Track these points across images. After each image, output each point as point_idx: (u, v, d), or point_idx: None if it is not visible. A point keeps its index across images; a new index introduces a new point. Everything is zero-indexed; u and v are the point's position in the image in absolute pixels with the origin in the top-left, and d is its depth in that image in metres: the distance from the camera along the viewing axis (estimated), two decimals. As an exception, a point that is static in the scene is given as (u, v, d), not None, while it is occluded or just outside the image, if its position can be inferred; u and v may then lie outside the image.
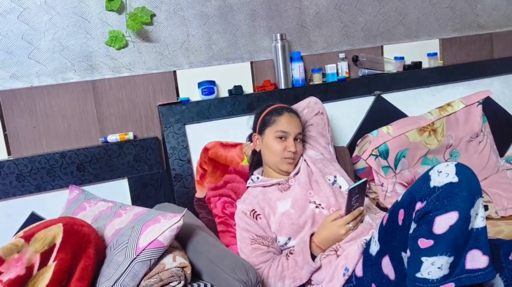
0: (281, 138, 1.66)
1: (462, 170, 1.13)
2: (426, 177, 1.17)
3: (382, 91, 2.28)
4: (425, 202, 1.13)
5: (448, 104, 2.27)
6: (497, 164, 2.28)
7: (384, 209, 1.85)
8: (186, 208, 1.49)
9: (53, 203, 1.78)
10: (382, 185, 2.03)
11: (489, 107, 2.40)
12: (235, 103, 2.01)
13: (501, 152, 2.45)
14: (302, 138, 1.76)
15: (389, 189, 2.02)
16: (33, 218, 1.75)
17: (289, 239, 1.57)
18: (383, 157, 2.05)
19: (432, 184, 1.13)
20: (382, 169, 2.05)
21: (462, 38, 2.59)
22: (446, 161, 2.16)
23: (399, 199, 1.25)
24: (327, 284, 1.41)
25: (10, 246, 1.24)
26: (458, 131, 2.23)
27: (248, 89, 2.15)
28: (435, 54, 2.48)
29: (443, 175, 1.13)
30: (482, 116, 2.28)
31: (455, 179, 1.11)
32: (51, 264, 1.23)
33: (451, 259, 1.10)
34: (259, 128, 1.74)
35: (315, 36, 2.28)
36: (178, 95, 2.04)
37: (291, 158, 1.66)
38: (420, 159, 2.14)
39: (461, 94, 2.37)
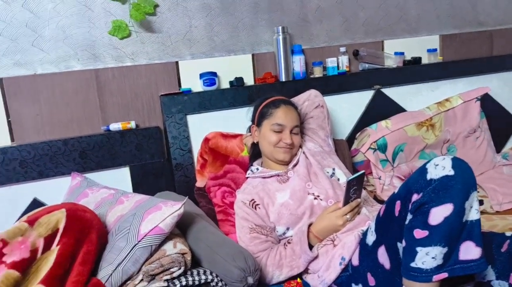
0: (277, 130, 1.68)
1: (458, 163, 1.16)
2: (423, 170, 1.19)
3: (382, 85, 2.30)
4: (421, 194, 1.15)
5: (447, 100, 2.29)
6: (494, 160, 2.31)
7: (381, 201, 1.87)
8: (187, 197, 1.51)
9: (55, 190, 1.80)
10: (379, 178, 2.06)
11: (488, 103, 2.43)
12: (236, 94, 2.03)
13: (498, 148, 2.49)
14: (300, 130, 1.78)
15: (387, 182, 2.05)
16: (36, 204, 1.78)
17: (288, 229, 1.60)
18: (381, 150, 2.08)
19: (428, 176, 1.16)
20: (380, 162, 2.07)
21: (462, 35, 2.61)
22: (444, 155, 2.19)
23: (396, 191, 1.28)
24: (323, 273, 1.44)
25: (14, 229, 1.26)
26: (455, 126, 2.25)
27: (249, 81, 2.17)
28: (435, 50, 2.50)
29: (440, 168, 1.15)
30: (480, 112, 2.31)
31: (451, 172, 1.14)
32: (55, 248, 1.25)
33: (445, 249, 1.12)
34: (257, 120, 1.76)
35: (316, 29, 2.30)
36: (180, 85, 2.06)
37: (287, 147, 1.69)
38: (418, 153, 2.17)
39: (459, 90, 2.39)
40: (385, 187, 2.05)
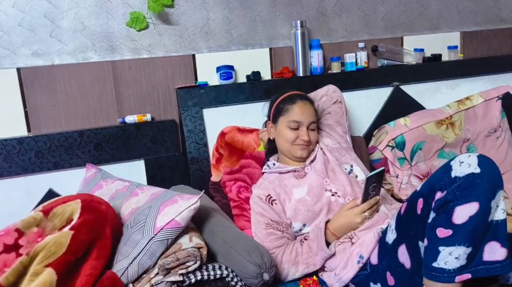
0: (294, 127, 1.65)
1: (484, 161, 1.13)
2: (447, 167, 1.16)
3: (401, 82, 2.26)
4: (445, 192, 1.12)
5: (467, 98, 2.24)
6: (514, 160, 2.26)
7: (398, 200, 1.84)
8: (204, 190, 1.49)
9: (70, 181, 1.80)
10: (397, 177, 2.02)
11: (509, 102, 2.36)
12: (253, 89, 2.00)
13: (519, 148, 2.43)
14: (317, 126, 1.75)
15: (404, 181, 2.01)
16: (51, 194, 1.77)
17: (304, 225, 1.57)
18: (399, 148, 2.04)
19: (453, 174, 1.13)
20: (398, 160, 2.03)
21: (483, 32, 2.55)
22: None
23: (418, 188, 1.25)
24: (341, 271, 1.41)
25: (29, 219, 1.25)
26: (476, 125, 2.20)
27: (266, 75, 2.14)
28: (456, 47, 2.45)
29: (465, 165, 1.12)
30: (501, 112, 2.26)
31: (477, 170, 1.10)
32: (68, 232, 1.22)
33: (469, 249, 1.09)
34: (273, 116, 1.73)
35: (335, 24, 2.26)
36: (196, 78, 2.04)
37: (304, 144, 1.66)
38: (437, 152, 2.12)
39: (480, 89, 2.34)
40: (403, 186, 2.01)
